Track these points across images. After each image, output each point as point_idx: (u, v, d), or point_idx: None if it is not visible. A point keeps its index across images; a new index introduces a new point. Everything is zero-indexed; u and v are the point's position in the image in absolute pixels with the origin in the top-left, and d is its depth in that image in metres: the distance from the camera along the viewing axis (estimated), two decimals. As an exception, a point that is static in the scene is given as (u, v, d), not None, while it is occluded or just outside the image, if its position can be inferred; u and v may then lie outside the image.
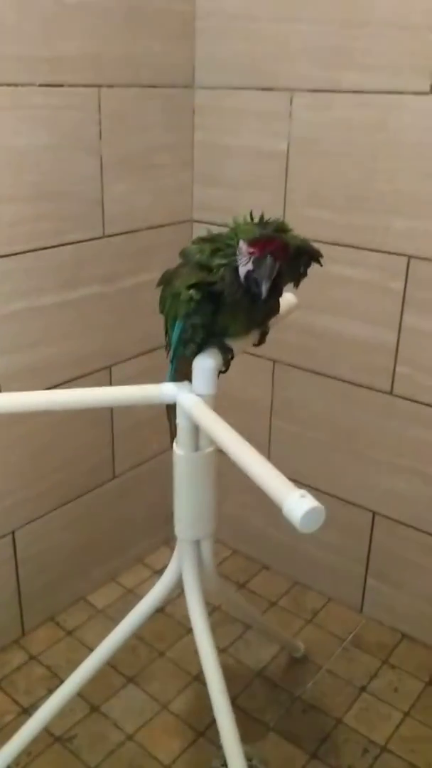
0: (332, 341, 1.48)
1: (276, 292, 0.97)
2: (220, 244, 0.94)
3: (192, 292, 0.92)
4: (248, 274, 0.90)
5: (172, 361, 1.03)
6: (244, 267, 0.90)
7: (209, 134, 1.54)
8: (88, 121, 1.33)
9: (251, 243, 0.89)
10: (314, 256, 1.04)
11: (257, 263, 0.89)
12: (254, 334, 1.06)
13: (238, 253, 0.91)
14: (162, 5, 1.40)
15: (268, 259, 0.89)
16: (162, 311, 1.01)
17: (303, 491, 0.74)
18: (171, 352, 1.01)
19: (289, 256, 0.93)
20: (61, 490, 1.52)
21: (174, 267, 1.00)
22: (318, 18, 1.31)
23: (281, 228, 0.93)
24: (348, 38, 1.28)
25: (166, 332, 1.03)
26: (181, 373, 1.01)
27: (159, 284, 1.01)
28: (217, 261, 0.93)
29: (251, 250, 0.89)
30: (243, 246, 0.90)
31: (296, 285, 1.05)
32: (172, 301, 0.97)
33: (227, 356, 0.99)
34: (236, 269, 0.91)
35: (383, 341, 1.41)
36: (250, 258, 0.89)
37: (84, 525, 1.60)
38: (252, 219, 0.93)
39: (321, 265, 1.05)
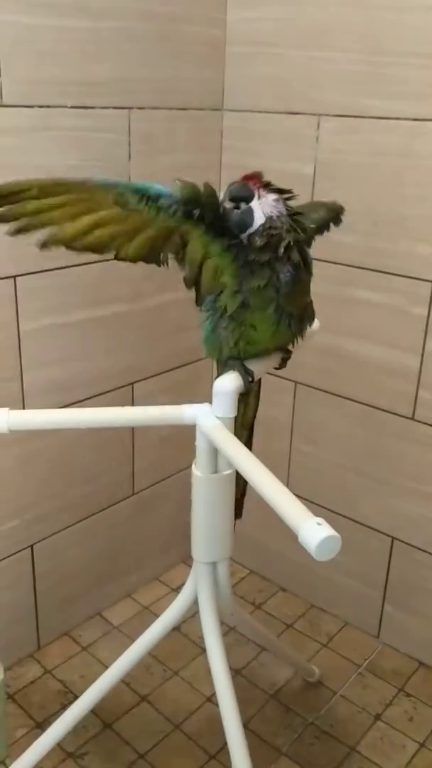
0: (354, 364, 1.48)
1: (302, 278, 0.96)
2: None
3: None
4: (226, 211, 0.93)
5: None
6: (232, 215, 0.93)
7: (237, 156, 1.55)
8: (117, 142, 1.35)
9: (230, 197, 0.95)
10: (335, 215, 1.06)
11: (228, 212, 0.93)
12: (276, 356, 1.07)
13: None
14: (194, 30, 1.42)
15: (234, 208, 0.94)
16: None
17: (320, 519, 0.73)
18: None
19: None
20: (80, 505, 1.53)
21: None
22: (345, 46, 1.32)
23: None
24: (374, 65, 1.29)
25: None
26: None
27: None
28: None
29: (230, 203, 0.94)
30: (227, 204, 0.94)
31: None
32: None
33: (247, 379, 0.99)
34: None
35: (405, 366, 1.40)
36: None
37: (102, 541, 1.60)
38: None
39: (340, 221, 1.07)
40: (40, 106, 1.21)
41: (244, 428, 1.13)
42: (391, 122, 1.30)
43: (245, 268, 0.94)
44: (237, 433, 1.00)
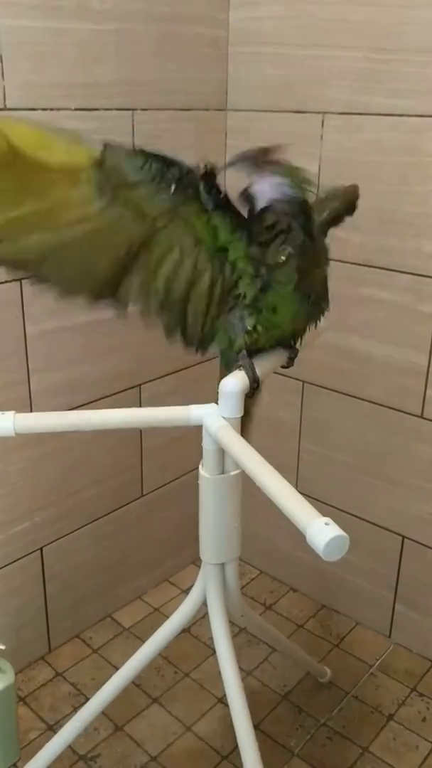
0: (362, 363, 1.47)
1: (320, 255, 0.94)
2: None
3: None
4: (245, 191, 0.87)
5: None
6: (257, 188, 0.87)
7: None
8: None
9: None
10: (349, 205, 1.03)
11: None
12: (282, 355, 1.06)
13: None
14: (196, 30, 1.42)
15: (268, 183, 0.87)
16: None
17: (327, 519, 0.73)
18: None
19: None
20: (90, 507, 1.53)
21: None
22: (348, 43, 1.32)
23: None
24: (378, 62, 1.29)
25: None
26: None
27: None
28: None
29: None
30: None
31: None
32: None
33: (253, 383, 0.98)
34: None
35: (414, 364, 1.39)
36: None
37: (112, 543, 1.60)
38: None
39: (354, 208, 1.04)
40: (44, 109, 1.21)
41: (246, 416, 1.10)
42: (395, 119, 1.30)
43: (256, 248, 0.88)
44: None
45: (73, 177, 0.80)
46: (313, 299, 0.97)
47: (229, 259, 0.90)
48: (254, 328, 0.95)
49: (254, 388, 0.98)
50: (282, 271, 0.91)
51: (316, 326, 1.03)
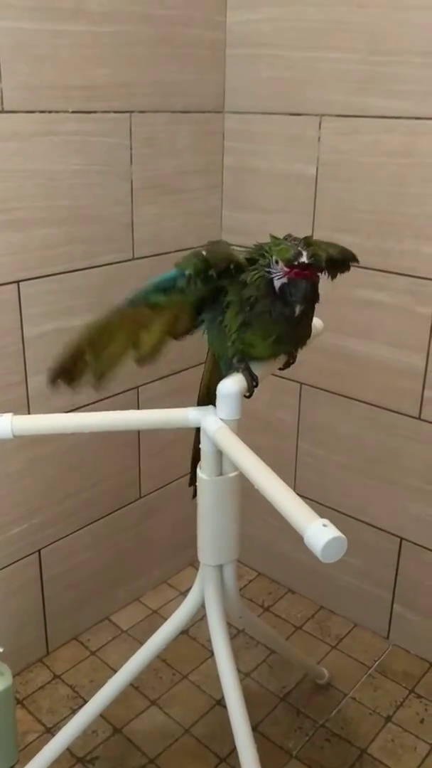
0: (360, 364, 1.47)
1: (308, 315, 1.00)
2: (255, 255, 0.96)
3: (202, 253, 0.94)
4: (284, 287, 0.92)
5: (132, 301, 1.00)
6: (280, 280, 0.92)
7: (239, 158, 1.55)
8: (119, 146, 1.35)
9: (287, 265, 0.91)
10: (348, 262, 1.05)
11: (291, 284, 0.92)
12: (280, 359, 1.07)
13: (272, 266, 0.93)
14: (194, 33, 1.42)
15: (304, 283, 0.91)
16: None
17: (325, 520, 0.73)
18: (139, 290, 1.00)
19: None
20: (88, 509, 1.53)
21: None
22: (345, 45, 1.32)
23: (309, 243, 0.93)
24: (375, 64, 1.29)
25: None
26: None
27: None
28: (253, 273, 0.94)
29: (286, 270, 0.91)
30: (280, 264, 0.92)
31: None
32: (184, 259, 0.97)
33: (252, 383, 0.99)
34: (271, 281, 0.93)
35: (411, 365, 1.40)
36: (283, 276, 0.92)
37: (109, 545, 1.60)
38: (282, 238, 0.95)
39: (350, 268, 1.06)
40: (42, 112, 1.21)
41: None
42: (392, 121, 1.30)
43: (247, 301, 0.96)
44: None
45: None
46: (293, 344, 1.04)
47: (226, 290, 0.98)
48: (236, 349, 1.00)
49: (253, 388, 0.99)
50: (261, 323, 0.96)
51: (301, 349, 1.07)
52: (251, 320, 0.96)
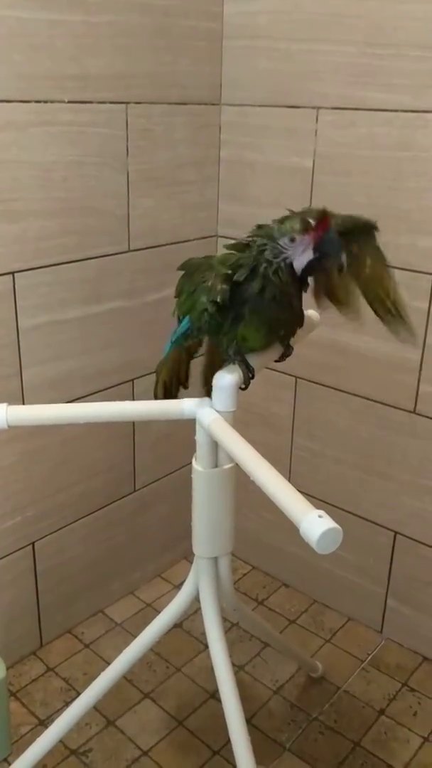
0: (355, 358, 1.47)
1: (299, 297, 0.98)
2: (247, 254, 0.93)
3: (208, 305, 0.92)
4: (312, 262, 0.90)
5: (172, 342, 1.06)
6: (302, 256, 0.90)
7: (235, 151, 1.55)
8: (115, 137, 1.35)
9: (306, 230, 0.88)
10: (369, 228, 1.04)
11: (323, 244, 0.89)
12: (276, 350, 1.06)
13: (284, 249, 0.90)
14: (190, 24, 1.41)
15: (332, 233, 0.89)
16: (177, 296, 1.01)
17: (321, 511, 0.73)
18: (174, 338, 1.04)
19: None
20: (82, 502, 1.53)
21: (199, 258, 1.01)
22: (342, 38, 1.31)
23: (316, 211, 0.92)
24: (372, 57, 1.29)
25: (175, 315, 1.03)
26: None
27: (180, 269, 1.02)
28: (264, 268, 0.91)
29: (307, 237, 0.88)
30: (296, 237, 0.89)
31: (345, 269, 1.02)
32: (187, 298, 0.97)
33: (248, 375, 0.99)
34: (290, 265, 0.91)
35: (407, 359, 1.40)
36: (308, 245, 0.89)
37: (104, 538, 1.60)
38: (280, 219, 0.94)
39: (377, 230, 1.04)
40: (37, 101, 1.21)
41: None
42: (389, 114, 1.30)
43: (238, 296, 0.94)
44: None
45: None
46: (284, 332, 1.03)
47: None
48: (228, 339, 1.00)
49: (249, 380, 0.99)
50: (254, 316, 0.95)
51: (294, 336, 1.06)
52: (244, 313, 0.95)
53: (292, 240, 0.89)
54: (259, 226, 0.95)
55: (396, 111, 1.29)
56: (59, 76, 1.22)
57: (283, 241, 0.90)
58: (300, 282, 0.95)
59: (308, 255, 0.90)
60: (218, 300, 0.92)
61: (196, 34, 1.44)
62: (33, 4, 1.16)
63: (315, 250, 0.90)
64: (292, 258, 0.91)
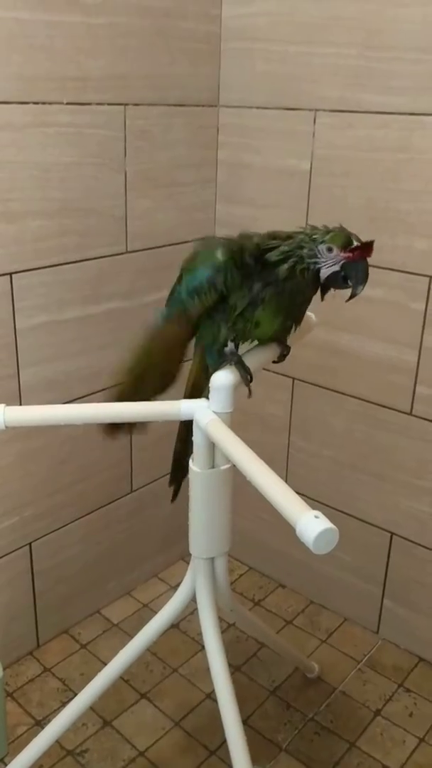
0: (352, 360, 1.47)
1: (313, 293, 1.01)
2: (288, 242, 0.96)
3: (238, 253, 0.95)
4: (334, 275, 0.95)
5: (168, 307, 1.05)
6: (329, 269, 0.95)
7: (233, 153, 1.55)
8: (113, 138, 1.35)
9: (346, 248, 0.94)
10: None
11: (352, 266, 0.95)
12: (272, 350, 1.07)
13: (319, 255, 0.95)
14: (189, 26, 1.42)
15: (364, 263, 0.96)
16: (187, 262, 1.02)
17: (317, 512, 0.73)
18: (179, 297, 1.02)
19: None
20: (79, 503, 1.53)
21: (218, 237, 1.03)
22: (340, 41, 1.32)
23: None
24: (370, 60, 1.29)
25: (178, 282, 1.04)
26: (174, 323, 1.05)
27: (198, 240, 1.04)
28: (292, 263, 0.95)
29: (347, 254, 0.94)
30: (334, 250, 0.94)
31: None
32: (206, 255, 0.98)
33: (246, 376, 0.99)
34: (317, 271, 0.96)
35: (403, 361, 1.40)
36: (340, 261, 0.95)
37: (101, 538, 1.60)
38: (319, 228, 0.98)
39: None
40: (35, 103, 1.21)
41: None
42: (386, 117, 1.30)
43: (259, 280, 0.97)
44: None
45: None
46: (295, 318, 1.04)
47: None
48: (234, 330, 1.01)
49: (248, 381, 1.00)
50: (273, 302, 0.97)
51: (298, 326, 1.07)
52: (264, 296, 0.96)
53: (330, 250, 0.94)
54: (312, 227, 0.99)
55: (393, 114, 1.29)
56: (58, 77, 1.23)
57: (322, 248, 0.94)
58: (316, 290, 0.99)
59: (335, 269, 0.95)
60: (247, 256, 0.95)
61: (195, 36, 1.44)
62: (32, 6, 1.16)
63: (342, 267, 0.95)
64: (322, 266, 0.95)
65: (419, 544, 1.49)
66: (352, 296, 0.98)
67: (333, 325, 1.46)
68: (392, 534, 1.53)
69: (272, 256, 0.95)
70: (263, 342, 1.06)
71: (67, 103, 1.25)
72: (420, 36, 1.23)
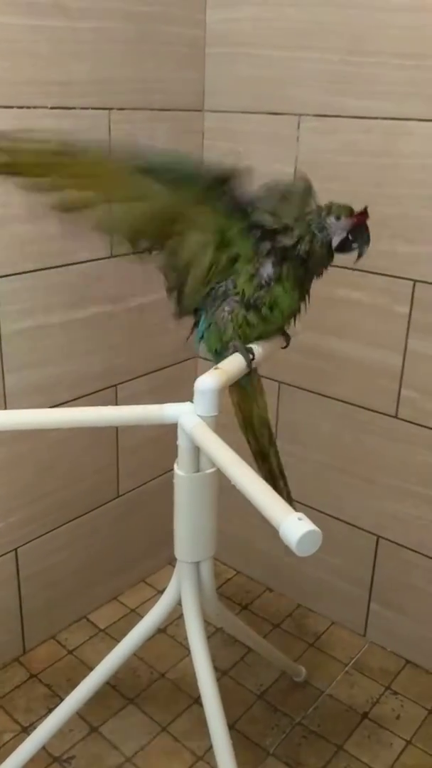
0: (337, 363, 1.48)
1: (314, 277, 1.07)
2: (300, 223, 1.03)
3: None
4: (342, 242, 1.02)
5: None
6: (339, 237, 1.02)
7: (217, 157, 1.55)
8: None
9: (350, 214, 1.01)
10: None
11: (358, 230, 1.02)
12: (279, 339, 1.11)
13: (328, 226, 1.02)
14: (173, 30, 1.42)
15: (367, 225, 1.02)
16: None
17: (300, 514, 0.73)
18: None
19: None
20: (65, 508, 1.52)
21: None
22: (324, 46, 1.33)
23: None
24: (354, 65, 1.30)
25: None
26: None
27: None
28: (307, 240, 1.02)
29: (352, 220, 1.01)
30: (342, 219, 1.01)
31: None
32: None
33: (248, 357, 1.02)
34: (330, 242, 1.02)
35: (389, 364, 1.41)
36: (347, 227, 1.02)
37: (87, 543, 1.60)
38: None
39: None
40: (20, 107, 1.21)
41: (264, 426, 1.20)
42: (370, 122, 1.31)
43: (271, 255, 1.02)
44: (258, 432, 1.17)
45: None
46: (304, 295, 1.09)
47: (231, 255, 1.03)
48: (246, 322, 1.04)
49: (249, 363, 1.03)
50: (292, 276, 1.03)
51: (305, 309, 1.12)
52: (281, 272, 1.02)
53: (338, 218, 1.01)
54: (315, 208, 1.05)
55: (377, 118, 1.30)
56: (42, 81, 1.23)
57: (330, 219, 1.01)
58: (329, 260, 1.05)
59: (342, 235, 1.02)
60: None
61: (179, 41, 1.44)
62: (15, 10, 1.16)
63: (348, 233, 1.02)
64: (333, 235, 1.02)
65: (405, 547, 1.49)
66: (359, 256, 1.03)
67: (318, 329, 1.47)
68: (378, 537, 1.53)
69: (289, 241, 1.01)
70: (269, 334, 1.09)
71: (52, 108, 1.25)
72: (403, 41, 1.24)
